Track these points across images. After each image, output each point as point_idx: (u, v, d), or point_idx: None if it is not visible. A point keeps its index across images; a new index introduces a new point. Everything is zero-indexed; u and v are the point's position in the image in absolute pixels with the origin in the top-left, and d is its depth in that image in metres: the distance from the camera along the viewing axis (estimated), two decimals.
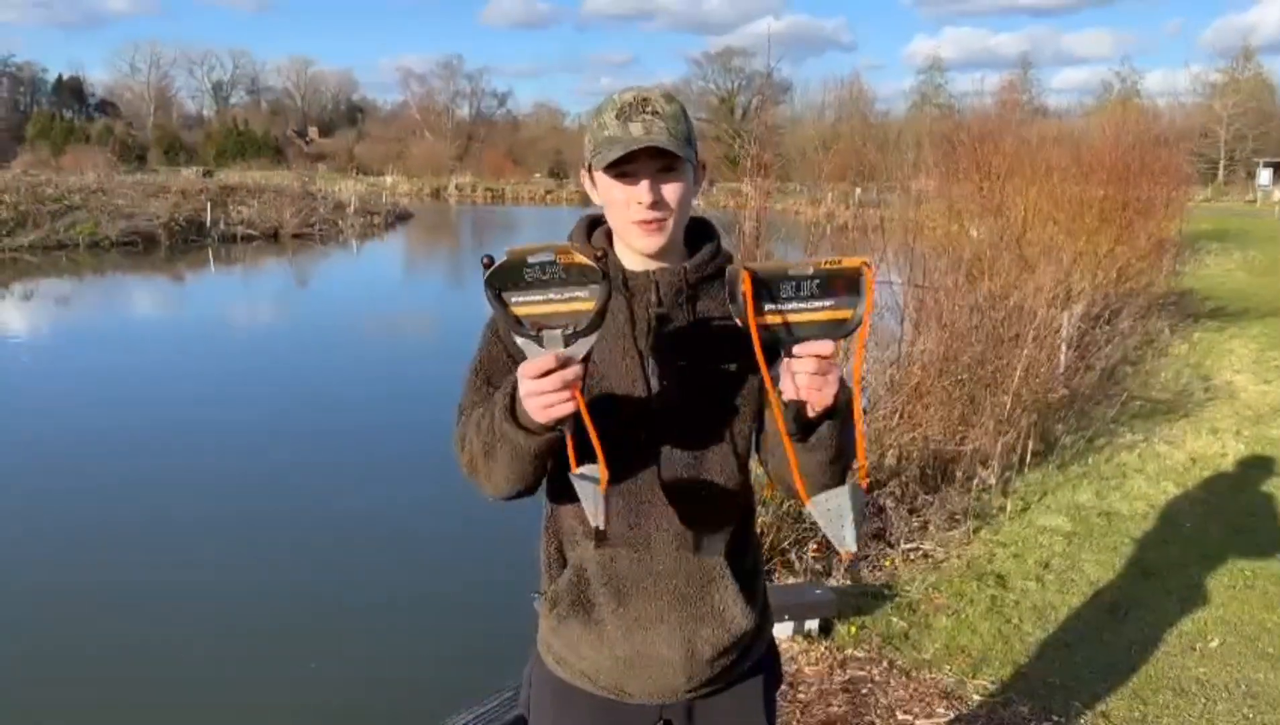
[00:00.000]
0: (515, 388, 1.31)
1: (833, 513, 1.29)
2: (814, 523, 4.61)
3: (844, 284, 1.27)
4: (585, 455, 1.32)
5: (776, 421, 1.33)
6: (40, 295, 19.19)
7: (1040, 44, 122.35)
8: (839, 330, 1.28)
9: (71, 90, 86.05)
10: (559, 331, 1.28)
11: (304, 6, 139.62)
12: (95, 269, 23.46)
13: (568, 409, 1.26)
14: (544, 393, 1.25)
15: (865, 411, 5.47)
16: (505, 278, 1.28)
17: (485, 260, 1.28)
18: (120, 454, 8.10)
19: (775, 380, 1.32)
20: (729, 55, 69.62)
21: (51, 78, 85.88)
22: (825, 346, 1.27)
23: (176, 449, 8.23)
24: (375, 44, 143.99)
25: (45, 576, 5.63)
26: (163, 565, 5.82)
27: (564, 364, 1.25)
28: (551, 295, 1.28)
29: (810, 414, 1.30)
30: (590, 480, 1.32)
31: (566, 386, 1.25)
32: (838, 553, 4.51)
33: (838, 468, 1.38)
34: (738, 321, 1.28)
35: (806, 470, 1.35)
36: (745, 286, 1.25)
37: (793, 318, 1.28)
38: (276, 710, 4.36)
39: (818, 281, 1.27)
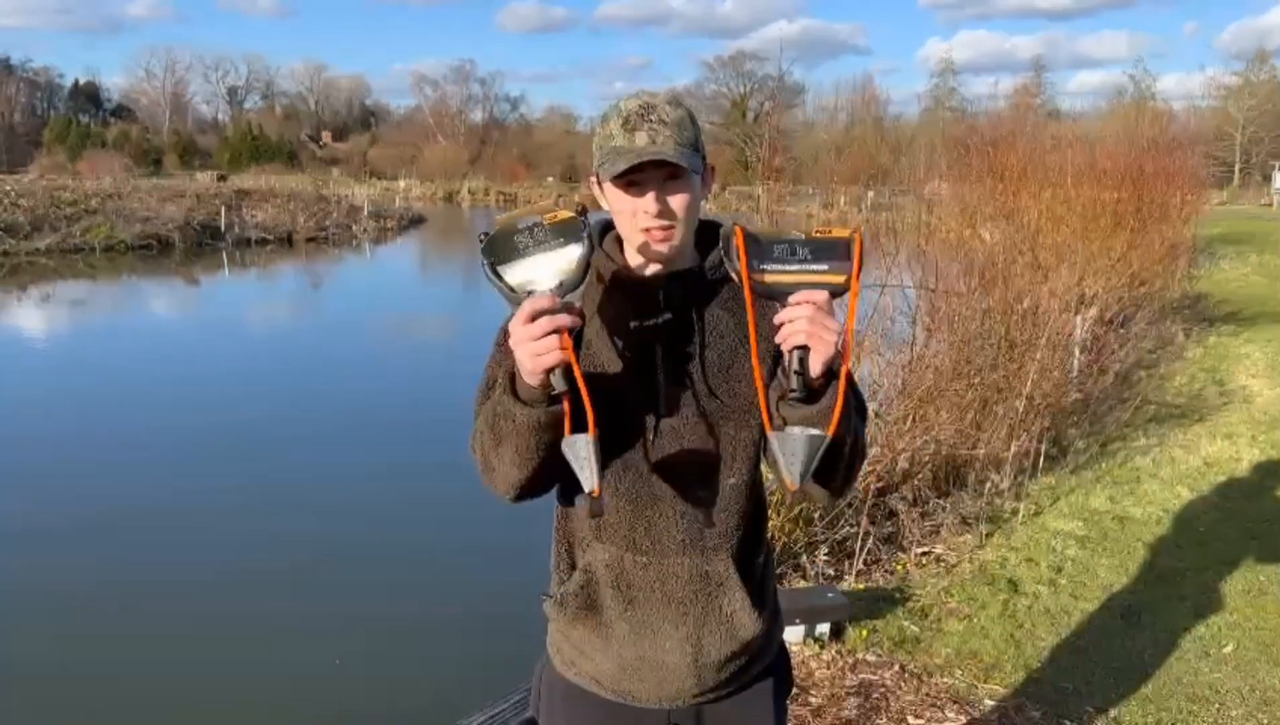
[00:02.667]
0: (512, 364, 1.35)
1: (785, 451, 1.32)
2: (817, 507, 4.61)
3: (836, 250, 1.35)
4: (581, 427, 1.34)
5: (756, 381, 1.36)
6: (57, 298, 19.33)
7: (1056, 47, 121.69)
8: (834, 290, 1.34)
9: (88, 95, 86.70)
10: (546, 290, 1.32)
11: (319, 12, 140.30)
12: (111, 272, 23.63)
13: (558, 357, 1.28)
14: (534, 339, 1.27)
15: (877, 413, 5.46)
16: (499, 250, 1.34)
17: (481, 236, 1.35)
18: (137, 454, 8.15)
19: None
20: (741, 59, 69.68)
21: (68, 82, 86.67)
22: (820, 295, 1.31)
23: (194, 450, 8.28)
24: (389, 49, 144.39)
25: (68, 574, 5.68)
26: (185, 563, 5.88)
27: (554, 311, 1.28)
28: (539, 257, 1.34)
29: (815, 369, 1.30)
30: (582, 440, 1.33)
31: (556, 331, 1.27)
32: (848, 557, 4.51)
33: (844, 446, 1.38)
34: (733, 275, 1.34)
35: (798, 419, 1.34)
36: (738, 241, 1.33)
37: (788, 278, 1.34)
38: (289, 710, 4.39)
39: (810, 247, 1.35)
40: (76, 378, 11.59)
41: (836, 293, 1.33)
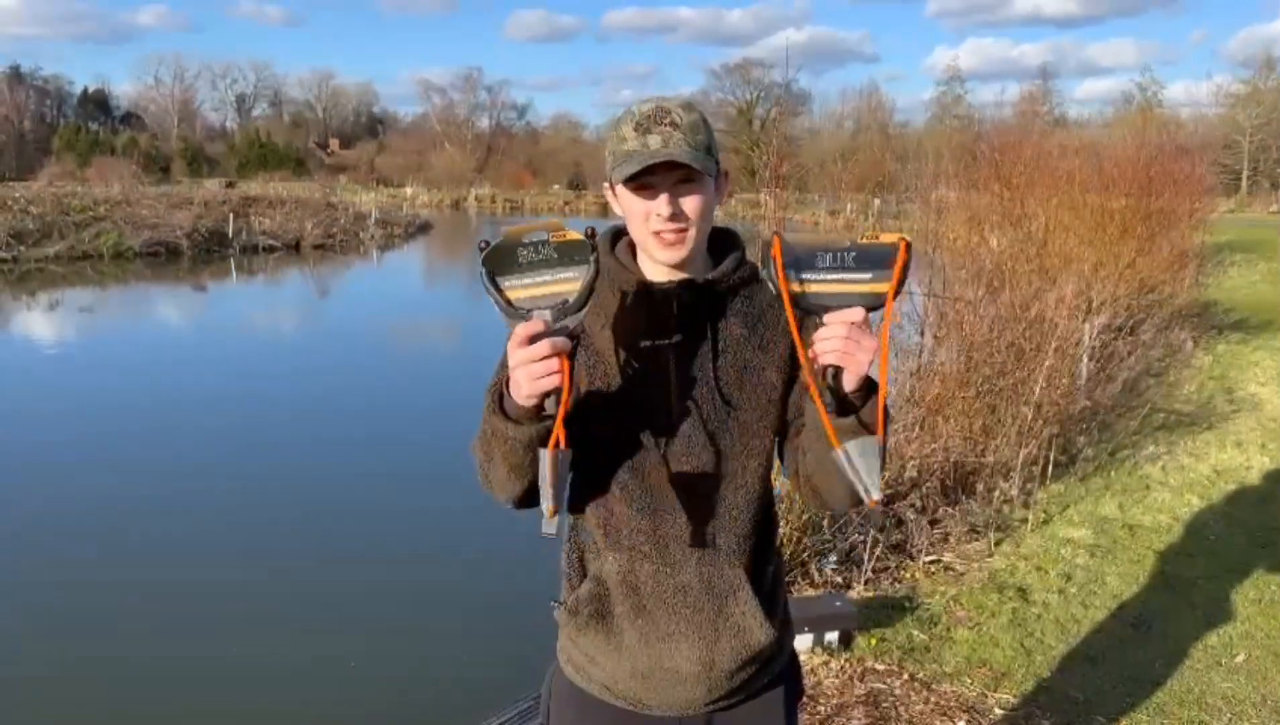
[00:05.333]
0: (502, 381, 1.35)
1: (864, 459, 1.30)
2: (840, 511, 4.60)
3: (882, 258, 1.30)
4: (576, 448, 1.35)
5: (814, 399, 1.32)
6: (66, 304, 19.39)
7: (1063, 54, 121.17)
8: (875, 301, 1.30)
9: (97, 103, 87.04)
10: (548, 311, 1.30)
11: (326, 20, 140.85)
12: (119, 279, 23.68)
13: (555, 382, 1.27)
14: (533, 362, 1.26)
15: (887, 409, 5.44)
16: (500, 261, 1.31)
17: (482, 244, 1.31)
18: (142, 457, 8.16)
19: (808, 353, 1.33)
20: (748, 67, 69.64)
21: (78, 90, 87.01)
22: (856, 313, 1.28)
23: (200, 453, 8.29)
24: (396, 57, 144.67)
25: (84, 576, 5.70)
26: (191, 564, 5.89)
27: (554, 333, 1.27)
28: (543, 276, 1.31)
29: (847, 386, 1.30)
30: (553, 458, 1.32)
31: (556, 354, 1.26)
32: (857, 565, 4.49)
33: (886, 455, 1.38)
34: (770, 286, 1.30)
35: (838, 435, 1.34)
36: (775, 250, 1.29)
37: (829, 287, 1.30)
38: (291, 713, 4.40)
39: (854, 254, 1.30)
40: (82, 381, 11.60)
41: (874, 306, 1.30)
